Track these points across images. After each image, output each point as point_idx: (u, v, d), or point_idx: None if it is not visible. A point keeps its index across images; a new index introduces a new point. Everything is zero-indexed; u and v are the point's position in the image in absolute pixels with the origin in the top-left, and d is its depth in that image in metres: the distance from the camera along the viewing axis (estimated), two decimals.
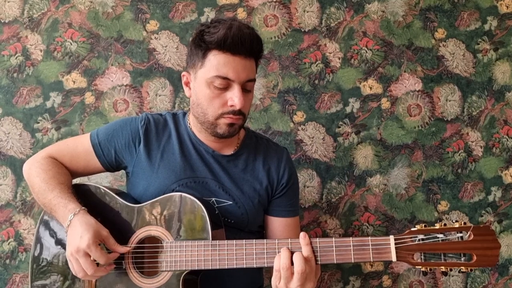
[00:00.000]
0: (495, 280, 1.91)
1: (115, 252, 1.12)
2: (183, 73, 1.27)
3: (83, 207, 1.14)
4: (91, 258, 1.07)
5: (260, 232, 1.39)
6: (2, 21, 1.84)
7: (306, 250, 1.04)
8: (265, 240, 1.09)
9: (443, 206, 1.91)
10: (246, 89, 1.21)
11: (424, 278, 1.88)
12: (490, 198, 1.93)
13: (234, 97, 1.16)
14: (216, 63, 1.15)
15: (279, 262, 1.03)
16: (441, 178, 1.92)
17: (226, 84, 1.17)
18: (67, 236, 1.11)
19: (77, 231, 1.08)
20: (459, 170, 1.93)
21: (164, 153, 1.29)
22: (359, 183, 1.89)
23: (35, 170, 1.24)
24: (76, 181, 1.34)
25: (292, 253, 1.04)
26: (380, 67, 1.92)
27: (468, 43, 1.96)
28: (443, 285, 1.88)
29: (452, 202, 1.91)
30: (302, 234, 1.06)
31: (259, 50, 1.22)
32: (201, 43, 1.17)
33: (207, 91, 1.18)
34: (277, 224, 1.35)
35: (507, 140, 1.95)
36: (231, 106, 1.18)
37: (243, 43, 1.15)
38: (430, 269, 0.99)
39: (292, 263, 1.03)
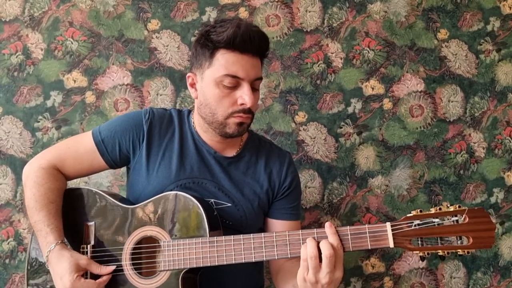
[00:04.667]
0: (497, 282, 1.90)
1: (101, 274, 1.14)
2: (188, 74, 1.26)
3: (59, 241, 1.14)
4: None
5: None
6: (3, 20, 1.83)
7: (333, 239, 1.01)
8: (262, 234, 1.08)
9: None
10: (254, 87, 1.20)
11: (426, 279, 1.87)
12: (493, 199, 1.92)
13: (244, 95, 1.16)
14: (224, 62, 1.15)
15: (306, 251, 1.00)
16: (443, 179, 1.91)
17: (235, 82, 1.16)
18: (50, 273, 1.15)
19: (57, 271, 1.11)
20: (461, 171, 1.92)
21: (166, 151, 1.28)
22: (361, 184, 1.88)
23: (29, 182, 1.23)
24: (71, 183, 1.33)
25: (318, 242, 1.02)
26: (382, 67, 1.92)
27: (470, 44, 1.95)
28: (445, 286, 1.87)
29: (454, 204, 1.89)
30: (328, 223, 1.03)
31: (266, 49, 1.23)
32: (208, 43, 1.16)
33: (216, 91, 1.17)
34: (278, 226, 1.34)
35: (510, 141, 1.94)
36: (241, 104, 1.17)
37: (252, 41, 1.15)
38: (428, 253, 0.99)
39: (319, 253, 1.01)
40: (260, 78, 1.22)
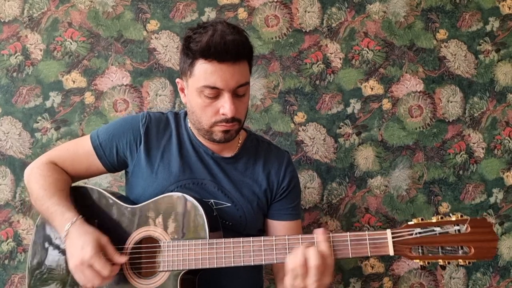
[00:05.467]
0: (496, 283, 1.90)
1: (113, 260, 1.10)
2: (177, 80, 1.26)
3: (80, 216, 1.13)
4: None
5: (260, 236, 1.37)
6: (2, 21, 1.83)
7: (324, 247, 1.01)
8: (262, 237, 1.08)
9: (444, 207, 1.90)
10: (239, 94, 1.17)
11: (425, 280, 1.87)
12: (492, 200, 1.92)
13: (225, 105, 1.14)
14: (203, 72, 1.12)
15: (294, 260, 1.00)
16: (442, 180, 1.91)
17: (216, 93, 1.14)
18: (67, 247, 1.11)
19: (77, 242, 1.08)
20: (461, 172, 1.92)
21: (164, 153, 1.28)
22: (360, 184, 1.88)
23: (34, 176, 1.23)
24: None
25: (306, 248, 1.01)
26: (382, 67, 1.92)
27: (469, 44, 1.95)
28: (445, 287, 1.87)
29: (453, 204, 1.90)
30: (321, 230, 1.03)
31: (247, 53, 1.18)
32: (188, 52, 1.15)
33: (199, 100, 1.16)
34: (279, 227, 1.34)
35: (509, 142, 1.94)
36: (223, 114, 1.16)
37: (227, 50, 1.10)
38: (428, 263, 0.98)
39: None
40: (245, 84, 1.17)
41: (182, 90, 1.25)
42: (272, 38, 1.89)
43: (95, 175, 1.34)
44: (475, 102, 1.94)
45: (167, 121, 1.33)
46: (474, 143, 1.93)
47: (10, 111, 1.81)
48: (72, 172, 1.29)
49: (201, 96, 1.15)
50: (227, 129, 1.19)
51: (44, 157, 1.29)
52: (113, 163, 1.29)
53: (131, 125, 1.29)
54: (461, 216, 0.96)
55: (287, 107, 1.88)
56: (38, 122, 1.81)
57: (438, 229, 0.97)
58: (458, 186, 1.91)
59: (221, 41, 1.09)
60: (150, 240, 1.16)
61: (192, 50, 1.13)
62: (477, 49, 1.96)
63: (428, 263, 0.98)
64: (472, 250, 0.95)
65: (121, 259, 1.11)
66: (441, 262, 0.97)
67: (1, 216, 1.77)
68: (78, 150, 1.29)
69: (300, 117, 1.88)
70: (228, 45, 1.10)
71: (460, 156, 1.92)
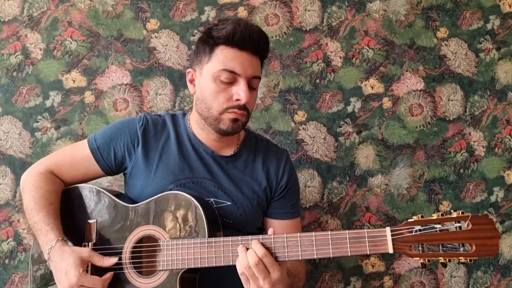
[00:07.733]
0: (497, 281, 1.89)
1: (104, 266, 1.13)
2: (188, 70, 1.28)
3: (60, 238, 1.14)
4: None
5: (259, 234, 1.38)
6: (2, 20, 1.83)
7: (253, 245, 1.04)
8: (260, 236, 1.07)
9: (445, 206, 1.89)
10: (252, 86, 1.21)
11: (426, 278, 1.87)
12: (492, 198, 1.91)
13: (240, 91, 1.17)
14: (223, 57, 1.17)
15: (239, 265, 1.03)
16: (443, 178, 1.90)
17: (232, 78, 1.17)
18: (53, 271, 1.13)
19: (61, 267, 1.10)
20: (461, 170, 1.91)
21: (162, 153, 1.28)
22: (360, 183, 1.88)
23: (28, 186, 1.25)
24: None
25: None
26: (382, 66, 1.91)
27: (470, 43, 1.95)
28: (445, 286, 1.87)
29: (454, 203, 1.90)
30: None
31: (265, 49, 1.25)
32: (208, 39, 1.19)
33: (213, 85, 1.19)
34: (278, 226, 1.34)
35: (510, 140, 1.93)
36: (237, 100, 1.18)
37: (251, 38, 1.17)
38: (429, 261, 0.96)
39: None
40: (258, 77, 1.23)
41: (192, 80, 1.28)
42: (272, 37, 1.89)
43: (92, 179, 1.34)
44: (476, 100, 1.94)
45: (164, 123, 1.34)
46: (474, 142, 1.93)
47: (10, 111, 1.81)
48: (69, 177, 1.30)
49: (216, 81, 1.18)
50: (237, 117, 1.20)
51: (41, 164, 1.30)
52: (111, 166, 1.30)
53: (128, 127, 1.30)
54: (462, 213, 0.95)
55: (287, 106, 1.88)
56: (38, 122, 1.81)
57: (438, 226, 0.96)
58: (458, 185, 1.91)
59: (247, 29, 1.17)
60: (150, 239, 1.16)
61: (214, 37, 1.18)
62: (478, 47, 1.95)
63: (429, 260, 0.96)
64: (474, 247, 0.94)
65: (111, 261, 1.13)
66: (441, 259, 0.95)
67: (1, 215, 1.77)
68: (76, 154, 1.30)
69: (300, 116, 1.88)
70: (253, 34, 1.18)
71: (461, 155, 1.92)
